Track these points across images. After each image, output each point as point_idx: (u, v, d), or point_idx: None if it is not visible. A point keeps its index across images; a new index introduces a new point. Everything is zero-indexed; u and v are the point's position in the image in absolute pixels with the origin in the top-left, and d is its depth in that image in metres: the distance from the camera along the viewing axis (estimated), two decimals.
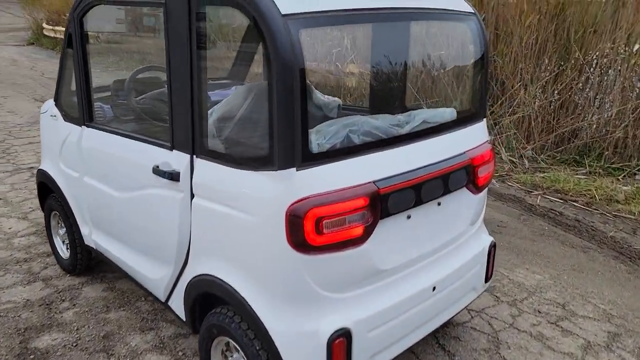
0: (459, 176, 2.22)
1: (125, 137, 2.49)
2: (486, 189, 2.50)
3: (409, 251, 2.11)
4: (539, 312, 3.05)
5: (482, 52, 2.43)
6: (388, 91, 2.94)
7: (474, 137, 2.40)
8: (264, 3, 1.68)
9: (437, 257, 2.25)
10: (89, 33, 2.63)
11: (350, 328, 1.87)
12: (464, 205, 2.36)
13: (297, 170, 1.73)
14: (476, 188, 2.37)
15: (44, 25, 17.08)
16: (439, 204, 2.20)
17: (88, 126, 2.74)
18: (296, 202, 1.72)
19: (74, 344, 2.65)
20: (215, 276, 2.03)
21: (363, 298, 1.96)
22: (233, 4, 1.80)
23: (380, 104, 2.98)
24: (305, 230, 1.73)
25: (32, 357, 2.55)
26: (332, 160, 1.82)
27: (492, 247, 2.56)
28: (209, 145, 2.03)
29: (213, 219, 2.01)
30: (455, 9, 2.35)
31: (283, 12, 1.67)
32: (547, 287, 3.34)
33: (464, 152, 2.26)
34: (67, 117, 2.92)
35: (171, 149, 2.17)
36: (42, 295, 3.07)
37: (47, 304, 2.99)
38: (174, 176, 2.12)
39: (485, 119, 2.53)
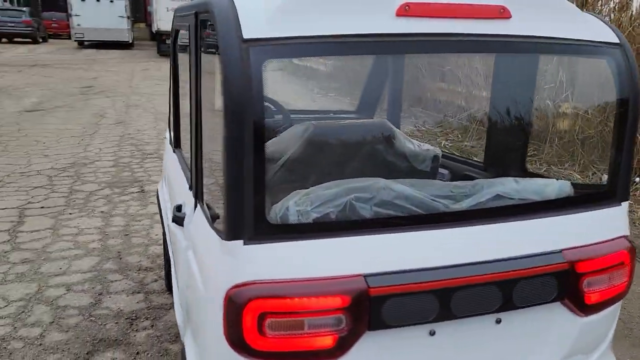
0: (539, 286, 1.47)
1: None
2: (608, 310, 1.64)
3: None
4: None
5: (629, 100, 1.60)
6: (504, 148, 2.22)
7: (590, 229, 1.59)
8: (223, 19, 1.30)
9: None
10: (179, 60, 2.60)
11: None
12: (556, 330, 1.57)
13: (244, 245, 1.31)
14: (582, 308, 1.56)
15: None
16: (498, 321, 1.49)
17: (174, 151, 2.72)
18: (237, 287, 1.30)
19: None
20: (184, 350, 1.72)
21: None
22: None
23: (497, 162, 2.27)
24: (244, 326, 1.30)
25: None
26: (308, 237, 1.35)
27: None
28: None
29: (189, 280, 1.70)
30: (581, 39, 1.59)
31: (245, 36, 1.28)
32: None
33: (559, 251, 1.50)
34: (169, 140, 2.97)
35: (190, 187, 1.93)
36: (134, 309, 3.17)
37: (132, 319, 3.06)
38: (179, 220, 1.88)
39: (624, 203, 1.67)
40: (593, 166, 6.43)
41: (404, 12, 1.37)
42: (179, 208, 1.93)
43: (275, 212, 1.42)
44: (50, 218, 4.49)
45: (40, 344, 2.79)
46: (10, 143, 6.89)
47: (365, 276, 1.33)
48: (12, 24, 23.11)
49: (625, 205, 1.67)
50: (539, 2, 1.55)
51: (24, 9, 25.16)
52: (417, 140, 2.35)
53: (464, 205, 1.55)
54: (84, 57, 19.38)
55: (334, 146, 2.12)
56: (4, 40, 23.53)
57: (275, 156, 2.04)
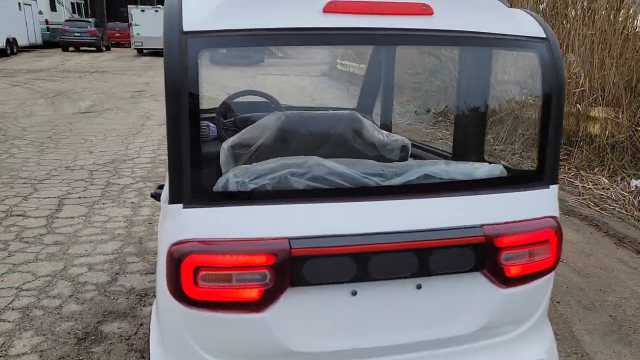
0: (456, 256, 1.61)
1: None
2: (533, 283, 1.75)
3: (350, 338, 1.63)
4: None
5: (553, 92, 1.71)
6: (466, 137, 2.34)
7: (515, 208, 1.71)
8: (170, 15, 1.53)
9: (406, 359, 1.67)
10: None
11: None
12: (476, 299, 1.70)
13: (183, 208, 1.52)
14: (501, 279, 1.68)
15: (338, 60, 19.38)
16: (418, 286, 1.64)
17: None
18: (176, 244, 1.52)
19: (126, 338, 2.90)
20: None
21: None
22: None
23: (462, 151, 2.39)
24: (182, 278, 1.51)
25: (92, 338, 2.90)
26: (241, 203, 1.55)
27: None
28: None
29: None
30: (506, 33, 1.72)
31: (185, 29, 1.50)
32: None
33: (479, 226, 1.63)
34: None
35: None
36: (145, 287, 3.46)
37: (142, 296, 3.35)
38: (156, 196, 2.12)
39: (553, 186, 1.77)
40: (622, 171, 6.29)
41: (330, 8, 1.56)
42: (160, 187, 2.18)
43: (219, 183, 1.64)
44: (85, 207, 4.90)
45: (58, 313, 3.13)
46: (61, 141, 7.49)
47: (290, 239, 1.51)
48: (79, 34, 24.68)
49: (554, 188, 1.77)
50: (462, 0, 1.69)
51: (90, 19, 26.82)
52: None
53: (392, 182, 1.71)
54: (141, 64, 20.43)
55: (304, 135, 2.31)
56: (71, 48, 25.12)
57: (250, 142, 2.26)
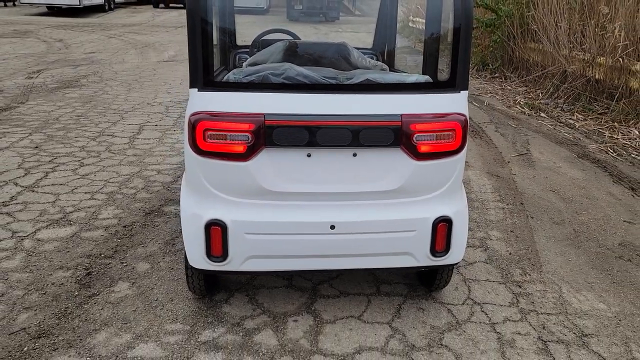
0: (379, 134, 2.35)
1: None
2: (442, 160, 2.45)
3: (306, 185, 2.43)
4: None
5: (462, 21, 2.36)
6: (426, 58, 3.00)
7: (431, 105, 2.40)
8: None
9: (347, 203, 2.45)
10: None
11: (226, 222, 2.41)
12: (396, 167, 2.43)
13: (198, 91, 2.37)
14: (415, 154, 2.40)
15: (410, 17, 19.54)
16: (354, 154, 2.40)
17: None
18: (193, 115, 2.38)
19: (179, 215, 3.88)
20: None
21: (247, 206, 2.44)
22: None
23: (424, 69, 3.05)
24: (196, 136, 2.38)
25: (155, 213, 3.91)
26: (235, 90, 2.37)
27: (443, 222, 2.48)
28: None
29: None
30: None
31: None
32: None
33: (398, 114, 2.35)
34: None
35: None
36: None
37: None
38: None
39: (463, 92, 2.44)
40: None
41: None
42: None
43: (222, 78, 2.46)
44: (160, 132, 5.98)
45: (133, 198, 4.18)
46: (145, 83, 8.69)
47: (265, 114, 2.32)
48: None
49: (464, 93, 2.44)
50: None
51: None
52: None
53: (342, 83, 2.45)
54: None
55: (302, 57, 3.08)
56: (161, 5, 26.88)
57: (263, 61, 3.06)
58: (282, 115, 2.32)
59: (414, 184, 2.46)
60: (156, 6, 26.78)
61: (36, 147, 5.34)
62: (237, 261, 2.48)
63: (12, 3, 24.48)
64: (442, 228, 2.51)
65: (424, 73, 3.07)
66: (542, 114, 7.49)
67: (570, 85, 7.88)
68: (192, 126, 2.35)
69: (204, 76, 2.34)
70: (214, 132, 2.34)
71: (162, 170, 4.81)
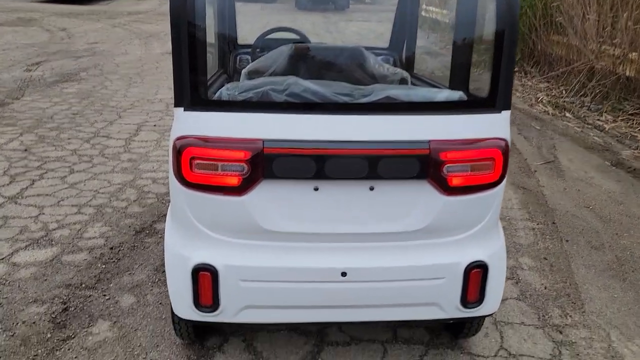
0: (402, 165, 1.93)
1: None
2: (477, 194, 2.03)
3: (313, 224, 2.03)
4: None
5: (507, 27, 1.93)
6: (455, 68, 2.56)
7: (465, 128, 1.98)
8: None
9: (361, 246, 2.05)
10: None
11: (216, 267, 2.02)
12: (421, 203, 2.02)
13: (184, 111, 1.96)
14: (445, 188, 1.98)
15: (423, 6, 18.94)
16: (371, 188, 1.99)
17: None
18: (178, 139, 1.97)
19: None
20: None
21: (242, 248, 2.05)
22: None
23: (456, 84, 2.62)
24: (182, 165, 1.98)
25: (147, 232, 3.53)
26: (229, 110, 1.96)
27: (477, 267, 2.07)
28: None
29: None
30: None
31: None
32: None
33: (426, 141, 1.93)
34: None
35: None
36: None
37: None
38: None
39: (505, 112, 2.01)
40: None
41: None
42: None
43: (215, 95, 2.06)
44: (158, 134, 5.59)
45: (124, 212, 3.80)
46: (147, 77, 8.30)
47: (264, 140, 1.91)
48: None
49: (505, 114, 2.01)
50: None
51: None
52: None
53: (358, 101, 2.04)
54: None
55: (311, 63, 2.66)
56: None
57: (264, 69, 2.64)
58: (284, 142, 1.91)
59: (443, 223, 2.05)
60: None
61: (25, 149, 4.97)
62: (230, 311, 2.09)
63: None
64: (475, 275, 2.09)
65: (451, 85, 2.64)
66: (568, 114, 7.00)
67: (599, 83, 7.36)
68: (177, 153, 1.95)
69: (192, 93, 1.93)
70: (202, 162, 1.94)
71: (157, 178, 4.42)
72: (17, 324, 2.58)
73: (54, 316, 2.64)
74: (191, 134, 1.95)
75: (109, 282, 2.96)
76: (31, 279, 2.95)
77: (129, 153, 4.98)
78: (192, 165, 1.95)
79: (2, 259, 3.14)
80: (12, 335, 2.49)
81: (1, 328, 2.54)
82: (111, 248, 3.31)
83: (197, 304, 2.07)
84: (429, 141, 1.93)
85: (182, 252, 2.09)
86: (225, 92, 2.04)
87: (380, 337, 2.55)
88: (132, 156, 4.90)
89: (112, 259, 3.19)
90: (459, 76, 2.56)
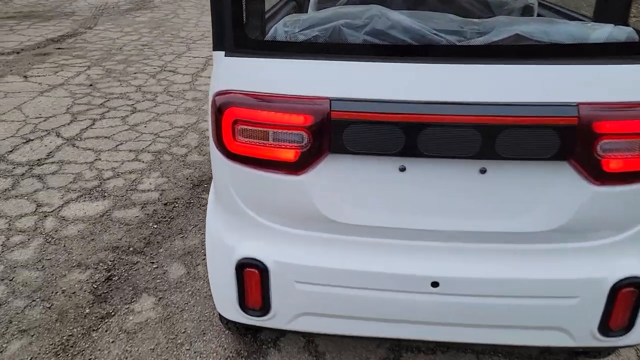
0: (533, 138, 1.31)
1: None
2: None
3: (395, 216, 1.47)
4: None
5: None
6: None
7: (634, 85, 1.31)
8: None
9: (461, 247, 1.48)
10: None
11: (266, 263, 1.55)
12: (557, 193, 1.40)
13: (225, 56, 1.44)
14: (596, 173, 1.35)
15: None
16: (482, 170, 1.39)
17: None
18: (218, 94, 1.46)
19: None
20: None
21: (299, 240, 1.55)
22: None
23: (602, 12, 1.87)
24: (222, 129, 1.48)
25: (205, 186, 3.14)
26: (284, 55, 1.41)
27: (630, 285, 1.45)
28: None
29: None
30: None
31: None
32: None
33: (573, 104, 1.29)
34: None
35: None
36: None
37: None
38: None
39: None
40: None
41: None
42: None
43: (268, 32, 1.50)
44: None
45: (182, 161, 3.43)
46: None
47: (331, 100, 1.35)
48: None
49: None
50: None
51: None
52: None
53: (470, 42, 1.40)
54: None
55: None
56: None
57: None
58: (360, 103, 1.34)
59: (586, 222, 1.43)
60: None
61: (90, 85, 4.71)
62: (284, 317, 1.64)
63: None
64: (626, 296, 1.47)
65: (597, 17, 1.89)
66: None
67: None
68: (217, 112, 1.46)
69: (235, 30, 1.40)
70: (248, 127, 1.43)
71: None
72: (57, 293, 2.30)
73: (95, 286, 2.35)
74: (235, 88, 1.42)
75: (159, 246, 2.61)
76: (78, 237, 2.67)
77: (194, 91, 4.58)
78: (236, 131, 1.44)
79: (52, 211, 2.88)
80: (49, 308, 2.22)
81: (39, 297, 2.27)
82: (165, 204, 2.96)
83: (243, 305, 1.63)
84: (578, 105, 1.29)
85: (224, 239, 1.63)
86: (282, 28, 1.48)
87: (475, 346, 2.03)
88: (197, 94, 4.49)
89: (165, 217, 2.84)
90: (612, 4, 1.81)
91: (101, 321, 2.16)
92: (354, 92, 1.35)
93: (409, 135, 1.34)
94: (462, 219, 1.46)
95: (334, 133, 1.36)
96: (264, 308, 1.62)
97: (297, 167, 1.44)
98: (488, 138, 1.32)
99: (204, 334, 2.10)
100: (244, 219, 1.58)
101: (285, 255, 1.55)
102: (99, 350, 2.02)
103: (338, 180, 1.46)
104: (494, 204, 1.44)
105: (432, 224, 1.47)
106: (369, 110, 1.33)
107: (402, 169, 1.42)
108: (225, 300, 1.67)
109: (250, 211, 1.56)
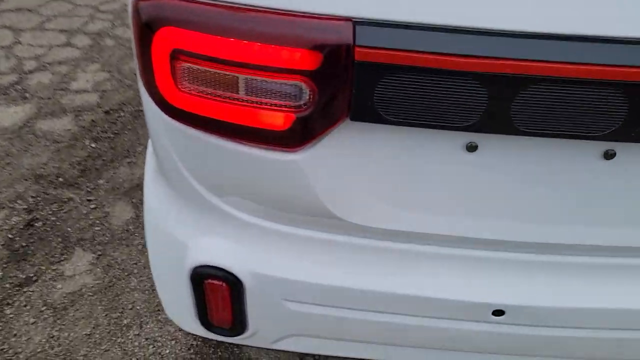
0: None
1: None
2: None
3: (458, 219, 0.90)
4: None
5: None
6: None
7: None
8: None
9: (555, 262, 0.94)
10: None
11: (240, 277, 0.98)
12: None
13: None
14: None
15: None
16: (609, 154, 0.80)
17: None
18: None
19: None
20: None
21: (292, 244, 0.97)
22: None
23: None
24: (154, 65, 0.81)
25: None
26: None
27: None
28: None
29: None
30: None
31: None
32: None
33: None
34: None
35: None
36: None
37: None
38: None
39: None
40: None
41: None
42: None
43: None
44: None
45: (131, 48, 2.67)
46: None
47: (356, 22, 0.69)
48: None
49: None
50: None
51: None
52: None
53: None
54: None
55: None
56: None
57: None
58: (411, 32, 0.68)
59: None
60: None
61: None
62: (266, 337, 1.12)
63: None
64: None
65: None
66: None
67: None
68: (143, 34, 0.79)
69: None
70: (197, 65, 0.77)
71: None
72: None
73: (11, 236, 1.76)
74: None
75: (98, 175, 2.00)
76: None
77: None
78: (177, 69, 0.79)
79: None
80: None
81: None
82: (107, 112, 2.27)
83: (206, 322, 1.10)
84: None
85: (173, 231, 1.04)
86: None
87: None
88: None
89: (106, 132, 2.18)
90: None
91: (18, 291, 1.61)
92: (398, 11, 0.69)
93: (490, 93, 0.71)
94: (563, 226, 0.89)
95: (358, 86, 0.72)
96: (236, 328, 1.09)
97: (289, 140, 0.81)
98: (622, 106, 0.70)
99: (159, 311, 1.59)
100: (201, 205, 0.98)
101: (268, 265, 0.98)
102: (15, 335, 1.50)
103: (360, 164, 0.84)
104: (621, 204, 0.87)
105: (517, 233, 0.90)
106: (427, 48, 0.68)
107: (472, 148, 0.81)
108: (180, 310, 1.13)
109: (210, 194, 0.96)
